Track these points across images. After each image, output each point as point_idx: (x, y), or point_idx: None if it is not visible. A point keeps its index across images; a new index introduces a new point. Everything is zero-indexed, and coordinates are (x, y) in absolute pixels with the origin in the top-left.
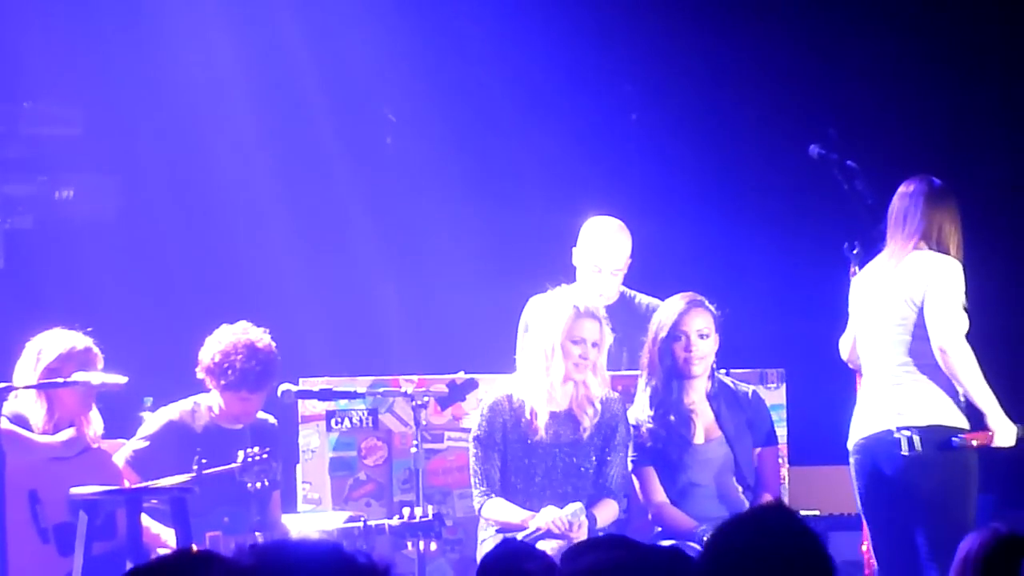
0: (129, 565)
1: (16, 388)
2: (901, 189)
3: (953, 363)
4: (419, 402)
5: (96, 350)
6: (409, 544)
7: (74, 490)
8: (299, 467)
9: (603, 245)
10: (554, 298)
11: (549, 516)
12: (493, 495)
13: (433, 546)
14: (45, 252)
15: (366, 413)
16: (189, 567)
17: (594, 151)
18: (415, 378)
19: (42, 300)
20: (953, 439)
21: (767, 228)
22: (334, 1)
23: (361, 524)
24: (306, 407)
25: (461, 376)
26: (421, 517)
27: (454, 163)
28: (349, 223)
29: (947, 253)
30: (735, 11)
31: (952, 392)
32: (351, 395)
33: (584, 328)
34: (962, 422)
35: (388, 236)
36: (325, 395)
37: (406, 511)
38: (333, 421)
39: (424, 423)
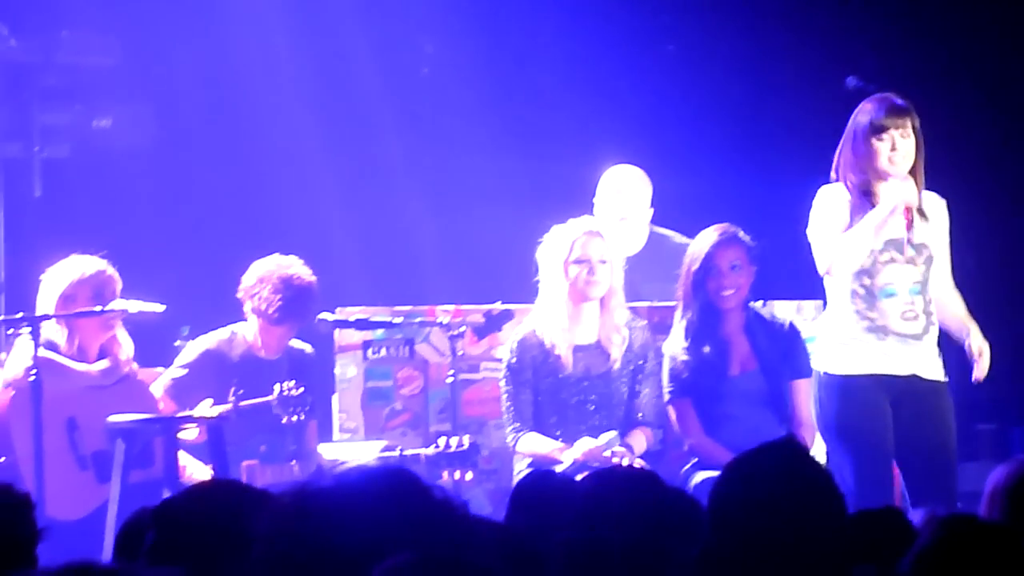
0: (166, 493)
1: (52, 316)
2: None
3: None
4: (455, 332)
5: (111, 272)
6: (444, 474)
7: (112, 418)
8: (335, 397)
9: (623, 193)
10: (558, 227)
11: (584, 447)
12: (526, 430)
13: (469, 476)
14: (82, 181)
15: (402, 343)
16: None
17: (623, 83)
18: (451, 308)
19: (79, 229)
20: None
21: (803, 164)
22: None
23: (397, 454)
24: (342, 337)
25: (497, 306)
26: (457, 447)
27: (490, 93)
28: (386, 152)
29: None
30: None
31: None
32: (387, 325)
33: (587, 247)
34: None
35: (425, 166)
36: (361, 325)
37: (442, 441)
38: (369, 351)
39: (460, 353)
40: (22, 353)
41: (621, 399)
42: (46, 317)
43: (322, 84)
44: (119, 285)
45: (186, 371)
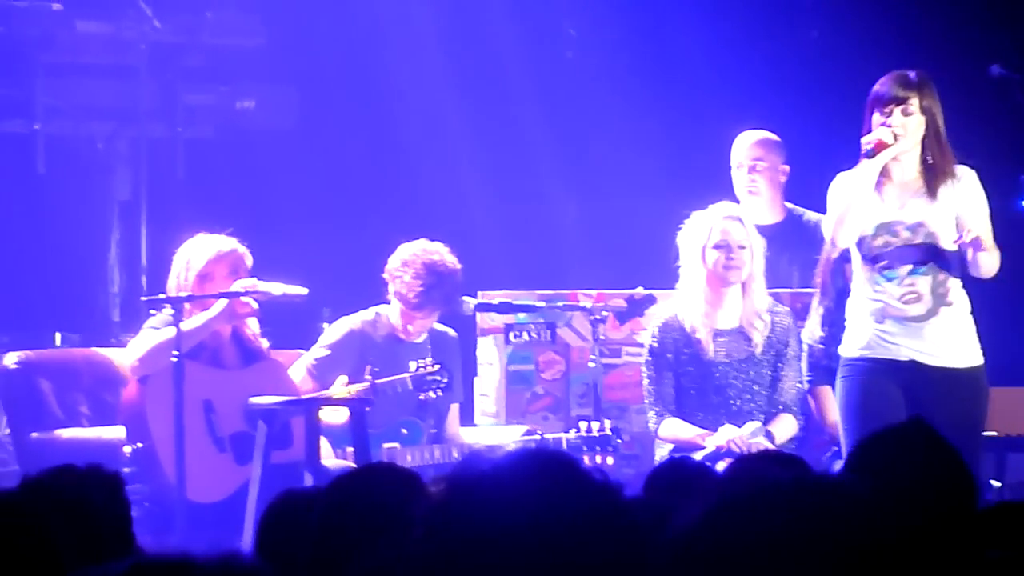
0: (306, 475)
1: (198, 297)
2: None
3: None
4: (597, 316)
5: (243, 250)
6: (586, 458)
7: (252, 399)
8: (476, 380)
9: (741, 143)
10: (698, 213)
11: (728, 435)
12: (668, 415)
13: (610, 460)
14: (225, 162)
15: (544, 327)
16: (379, 481)
17: (763, 68)
18: (594, 292)
19: (222, 210)
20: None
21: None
22: None
23: (538, 437)
24: (485, 320)
25: (640, 291)
26: (598, 431)
27: (634, 78)
28: (529, 136)
29: None
30: None
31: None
32: (530, 308)
33: (725, 231)
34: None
35: (568, 150)
36: (504, 308)
37: (583, 425)
38: (511, 334)
39: (602, 337)
40: (144, 340)
41: (763, 385)
42: (192, 298)
43: (466, 68)
44: (250, 262)
45: (329, 351)
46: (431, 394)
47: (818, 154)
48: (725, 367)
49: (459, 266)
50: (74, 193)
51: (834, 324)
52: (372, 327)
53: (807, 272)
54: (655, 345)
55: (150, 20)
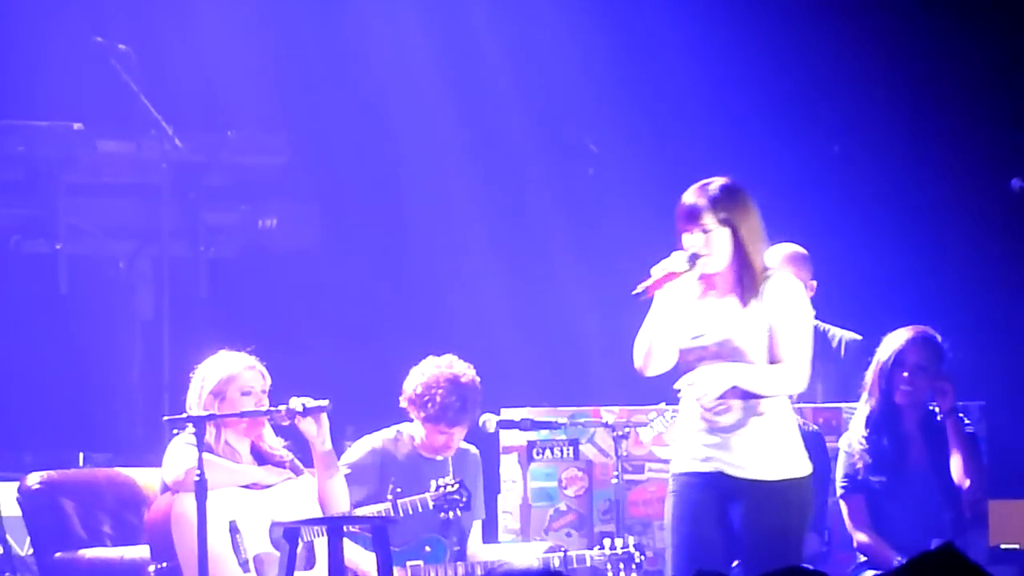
0: None
1: (218, 416)
2: None
3: None
4: (620, 432)
5: (260, 367)
6: (609, 574)
7: (275, 519)
8: (500, 497)
9: (775, 259)
10: None
11: None
12: None
13: None
14: (248, 280)
15: (567, 443)
16: None
17: (788, 183)
18: (616, 409)
19: (245, 328)
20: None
21: (963, 258)
22: (537, 32)
23: (561, 554)
24: (507, 437)
25: (662, 407)
26: (622, 548)
27: (656, 194)
28: (551, 253)
29: None
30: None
31: None
32: (552, 425)
33: None
34: None
35: (590, 266)
36: (526, 425)
37: (607, 542)
38: (534, 451)
39: (625, 454)
40: (182, 455)
41: None
42: (212, 417)
43: (487, 184)
44: (268, 382)
45: (350, 470)
46: (452, 513)
47: (841, 265)
48: None
49: (478, 380)
50: (96, 313)
51: (875, 430)
52: (394, 445)
53: (830, 386)
54: None
55: (171, 139)
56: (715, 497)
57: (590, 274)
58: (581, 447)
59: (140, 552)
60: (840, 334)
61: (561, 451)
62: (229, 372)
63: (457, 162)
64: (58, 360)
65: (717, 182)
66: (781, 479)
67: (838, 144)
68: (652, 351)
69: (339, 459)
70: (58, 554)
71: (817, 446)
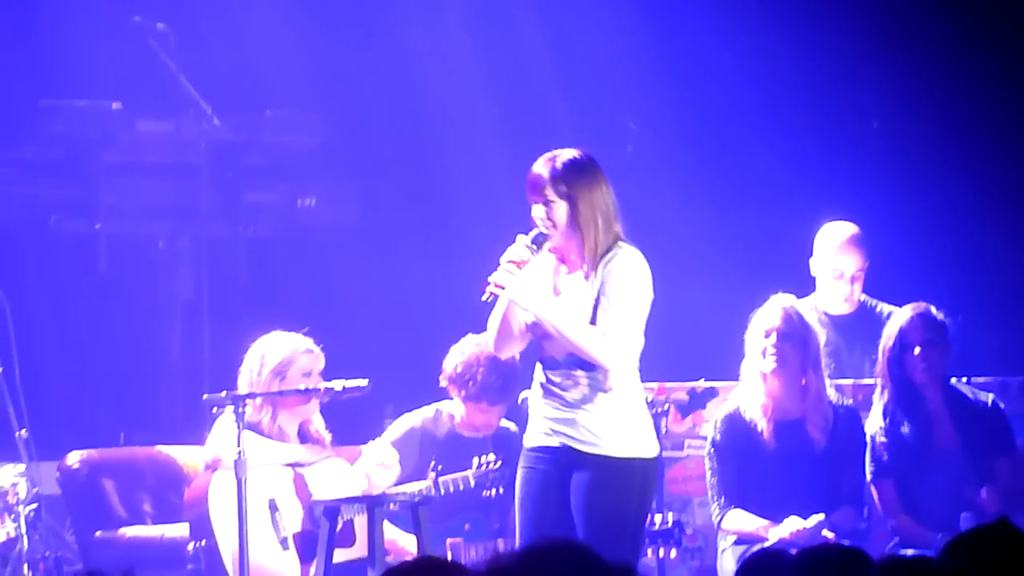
0: (370, 573)
1: (257, 395)
2: None
3: None
4: (659, 410)
5: (317, 351)
6: (649, 551)
7: (315, 497)
8: None
9: (841, 250)
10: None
11: (792, 527)
12: (732, 507)
13: (673, 553)
14: (287, 259)
15: None
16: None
17: (834, 157)
18: (655, 385)
19: (284, 307)
20: None
21: (1009, 231)
22: (576, 11)
23: None
24: None
25: (701, 384)
26: (661, 524)
27: (694, 170)
28: None
29: None
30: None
31: None
32: None
33: (776, 324)
34: None
35: (630, 238)
36: None
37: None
38: None
39: (664, 431)
40: (223, 434)
41: (825, 477)
42: (252, 396)
43: (525, 160)
44: (322, 364)
45: (390, 449)
46: (493, 491)
47: (887, 241)
48: (787, 460)
49: (517, 357)
50: (136, 292)
51: (894, 417)
52: (433, 424)
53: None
54: (718, 437)
55: (210, 119)
56: (562, 472)
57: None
58: None
59: (180, 530)
60: (890, 310)
61: None
62: (293, 353)
63: (495, 140)
64: (98, 339)
65: (564, 155)
66: (626, 457)
67: (876, 120)
68: (499, 330)
69: (379, 437)
70: (98, 533)
71: (854, 422)
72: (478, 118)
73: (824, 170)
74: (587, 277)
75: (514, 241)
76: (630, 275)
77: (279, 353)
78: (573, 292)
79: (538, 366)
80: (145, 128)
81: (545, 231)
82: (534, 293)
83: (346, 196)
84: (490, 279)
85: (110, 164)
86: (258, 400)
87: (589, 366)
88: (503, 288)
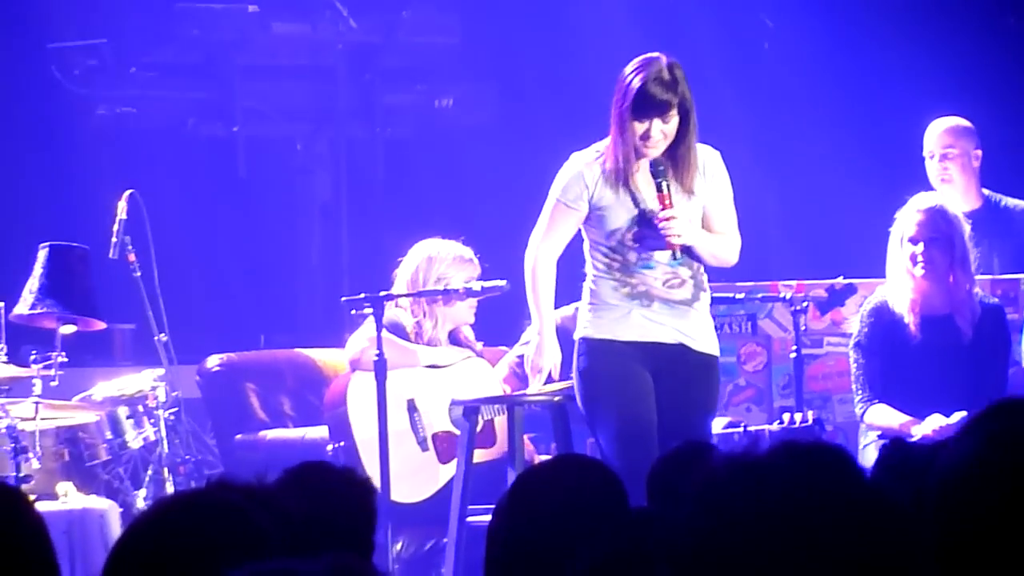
0: (510, 472)
1: (405, 295)
2: None
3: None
4: (798, 307)
5: (474, 259)
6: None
7: (455, 398)
8: None
9: (935, 134)
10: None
11: (935, 424)
12: (876, 401)
13: None
14: (425, 161)
15: (745, 318)
16: (572, 473)
17: (968, 56)
18: (794, 283)
19: (421, 208)
20: None
21: None
22: None
23: (741, 429)
24: None
25: (840, 281)
26: (801, 422)
27: (831, 65)
28: (726, 129)
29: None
30: None
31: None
32: (730, 301)
33: (918, 224)
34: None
35: (767, 141)
36: None
37: (786, 416)
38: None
39: (803, 328)
40: (363, 335)
41: (970, 373)
42: (389, 297)
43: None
44: (478, 273)
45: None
46: None
47: (1015, 139)
48: (933, 355)
49: None
50: (275, 195)
51: None
52: (572, 323)
53: (1007, 259)
54: (863, 331)
55: (346, 20)
56: (655, 366)
57: (766, 148)
58: (759, 322)
59: (321, 432)
60: (1014, 203)
61: (739, 326)
62: (452, 260)
63: (631, 37)
64: (237, 242)
65: (674, 63)
66: (718, 356)
67: (1012, 17)
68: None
69: (519, 339)
70: (239, 436)
71: (999, 318)
72: (615, 14)
73: (967, 67)
74: (689, 188)
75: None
76: (726, 173)
77: (437, 258)
78: (683, 204)
79: (611, 267)
80: (281, 30)
81: (657, 155)
82: (695, 230)
83: (484, 97)
84: (669, 238)
85: (247, 67)
86: (405, 302)
87: (694, 265)
88: (681, 238)
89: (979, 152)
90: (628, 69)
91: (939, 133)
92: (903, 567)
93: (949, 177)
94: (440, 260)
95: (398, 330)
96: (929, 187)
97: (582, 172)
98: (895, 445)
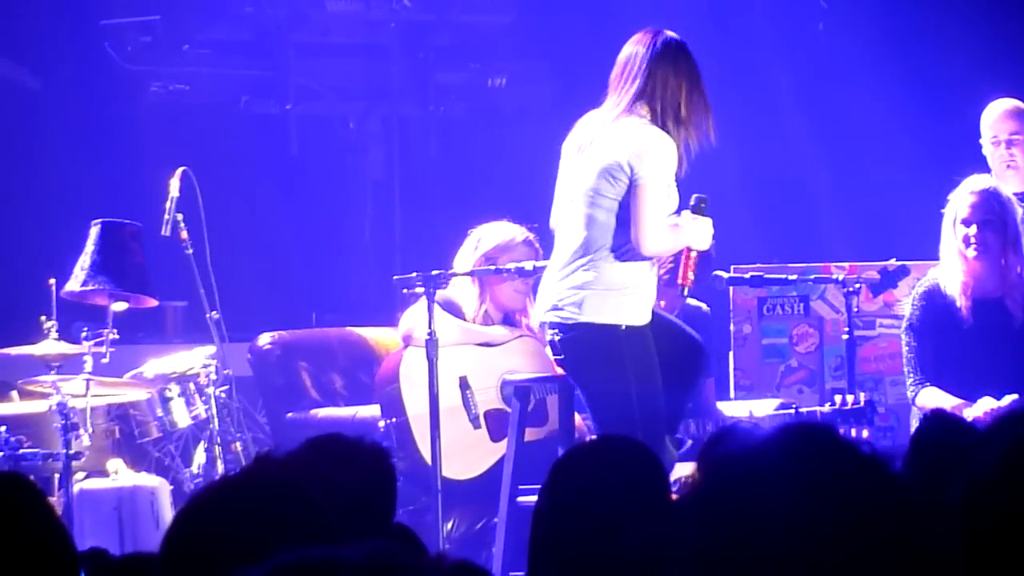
0: (560, 451)
1: (456, 274)
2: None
3: (658, 257)
4: (851, 289)
5: (536, 243)
6: (841, 431)
7: (507, 376)
8: (731, 354)
9: (997, 118)
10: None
11: (986, 407)
12: (927, 384)
13: (865, 433)
14: (478, 139)
15: (797, 300)
16: (616, 453)
17: (1019, 35)
18: (846, 265)
19: (475, 188)
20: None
21: None
22: None
23: (792, 411)
24: (738, 294)
25: (893, 263)
26: (853, 404)
27: (886, 46)
28: (781, 110)
29: (666, 124)
30: None
31: (624, 285)
32: (783, 282)
33: (971, 206)
34: (626, 317)
35: (821, 122)
36: (757, 282)
37: (838, 398)
38: (765, 308)
39: (856, 310)
40: (417, 312)
41: (1022, 356)
42: (441, 275)
43: (717, 41)
44: (540, 256)
45: None
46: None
47: None
48: (985, 338)
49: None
50: (327, 173)
51: None
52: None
53: None
54: (916, 313)
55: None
56: None
57: (820, 130)
58: (812, 303)
59: (373, 411)
60: None
61: (792, 307)
62: (507, 241)
63: (687, 18)
64: (289, 220)
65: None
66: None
67: None
68: None
69: None
70: (290, 414)
71: None
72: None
73: (1021, 48)
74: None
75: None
76: None
77: (496, 239)
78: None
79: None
80: (335, 8)
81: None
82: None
83: (537, 76)
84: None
85: (300, 44)
86: (464, 282)
87: None
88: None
89: None
90: (681, 49)
91: (1005, 118)
92: (913, 554)
93: (1016, 163)
94: (501, 242)
95: (452, 308)
96: (982, 169)
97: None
98: (934, 418)
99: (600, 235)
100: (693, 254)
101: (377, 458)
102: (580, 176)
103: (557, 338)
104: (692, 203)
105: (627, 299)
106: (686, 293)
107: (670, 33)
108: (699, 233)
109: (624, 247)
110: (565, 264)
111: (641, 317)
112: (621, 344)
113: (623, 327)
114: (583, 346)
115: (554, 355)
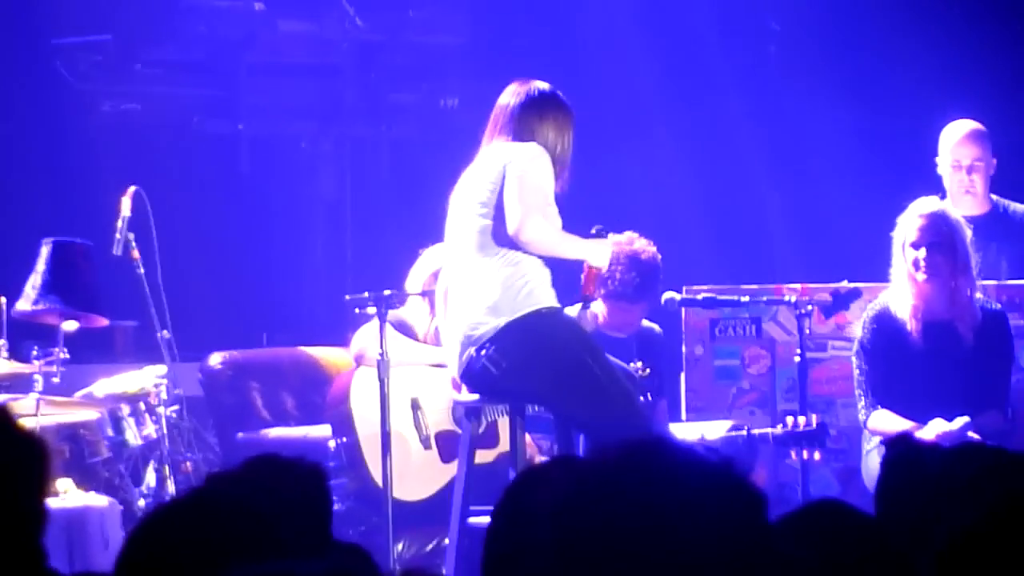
0: (512, 473)
1: (400, 295)
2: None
3: (536, 249)
4: (803, 311)
5: None
6: (792, 453)
7: (456, 398)
8: (683, 375)
9: (958, 142)
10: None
11: (937, 429)
12: (879, 406)
13: (817, 455)
14: (429, 160)
15: (749, 321)
16: (568, 474)
17: (972, 58)
18: (798, 286)
19: (426, 208)
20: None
21: None
22: None
23: (744, 432)
24: (690, 315)
25: (845, 285)
26: (805, 426)
27: (838, 68)
28: (733, 131)
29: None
30: None
31: (521, 275)
32: (735, 303)
33: (920, 229)
34: (537, 301)
35: (773, 144)
36: (709, 303)
37: (789, 420)
38: (717, 329)
39: (808, 331)
40: (368, 332)
41: (972, 379)
42: (392, 295)
43: (669, 63)
44: None
45: None
46: (640, 398)
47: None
48: (936, 360)
49: (659, 256)
50: (279, 192)
51: None
52: (579, 323)
53: (1015, 264)
54: (866, 336)
55: (352, 19)
56: None
57: (772, 152)
58: (764, 325)
59: (323, 431)
60: (1022, 208)
61: (744, 329)
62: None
63: (640, 41)
64: (240, 240)
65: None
66: None
67: (1016, 17)
68: None
69: None
70: (240, 434)
71: (1001, 324)
72: (621, 16)
73: (971, 69)
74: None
75: None
76: None
77: (440, 260)
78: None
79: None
80: (287, 28)
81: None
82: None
83: (490, 97)
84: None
85: (252, 64)
86: (416, 303)
87: None
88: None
89: (994, 160)
90: (550, 98)
91: (967, 142)
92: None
93: (975, 190)
94: (437, 259)
95: (404, 328)
96: (934, 190)
97: None
98: (900, 443)
99: (486, 240)
100: (594, 270)
101: (313, 478)
102: (463, 207)
103: (492, 350)
104: (592, 232)
105: (528, 286)
106: (588, 305)
107: (541, 84)
108: (595, 249)
109: (507, 242)
110: (470, 295)
111: (550, 298)
112: (547, 322)
113: (541, 309)
114: (517, 342)
115: (492, 379)
